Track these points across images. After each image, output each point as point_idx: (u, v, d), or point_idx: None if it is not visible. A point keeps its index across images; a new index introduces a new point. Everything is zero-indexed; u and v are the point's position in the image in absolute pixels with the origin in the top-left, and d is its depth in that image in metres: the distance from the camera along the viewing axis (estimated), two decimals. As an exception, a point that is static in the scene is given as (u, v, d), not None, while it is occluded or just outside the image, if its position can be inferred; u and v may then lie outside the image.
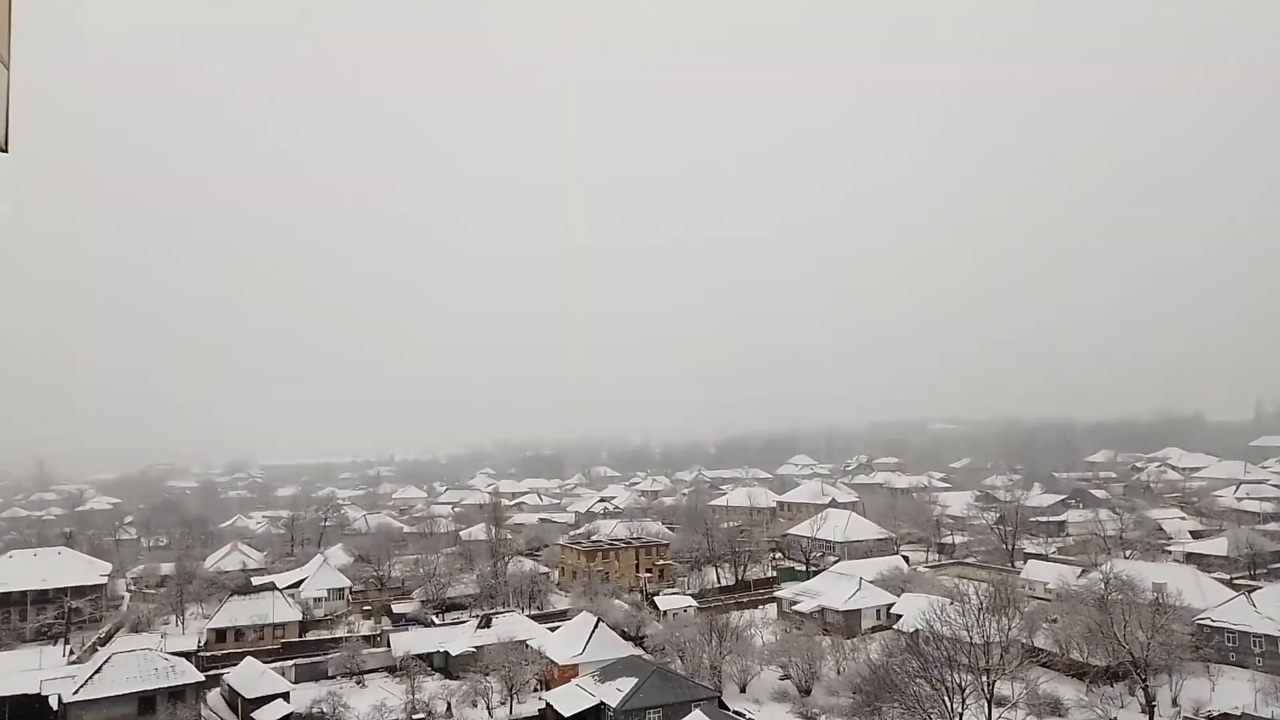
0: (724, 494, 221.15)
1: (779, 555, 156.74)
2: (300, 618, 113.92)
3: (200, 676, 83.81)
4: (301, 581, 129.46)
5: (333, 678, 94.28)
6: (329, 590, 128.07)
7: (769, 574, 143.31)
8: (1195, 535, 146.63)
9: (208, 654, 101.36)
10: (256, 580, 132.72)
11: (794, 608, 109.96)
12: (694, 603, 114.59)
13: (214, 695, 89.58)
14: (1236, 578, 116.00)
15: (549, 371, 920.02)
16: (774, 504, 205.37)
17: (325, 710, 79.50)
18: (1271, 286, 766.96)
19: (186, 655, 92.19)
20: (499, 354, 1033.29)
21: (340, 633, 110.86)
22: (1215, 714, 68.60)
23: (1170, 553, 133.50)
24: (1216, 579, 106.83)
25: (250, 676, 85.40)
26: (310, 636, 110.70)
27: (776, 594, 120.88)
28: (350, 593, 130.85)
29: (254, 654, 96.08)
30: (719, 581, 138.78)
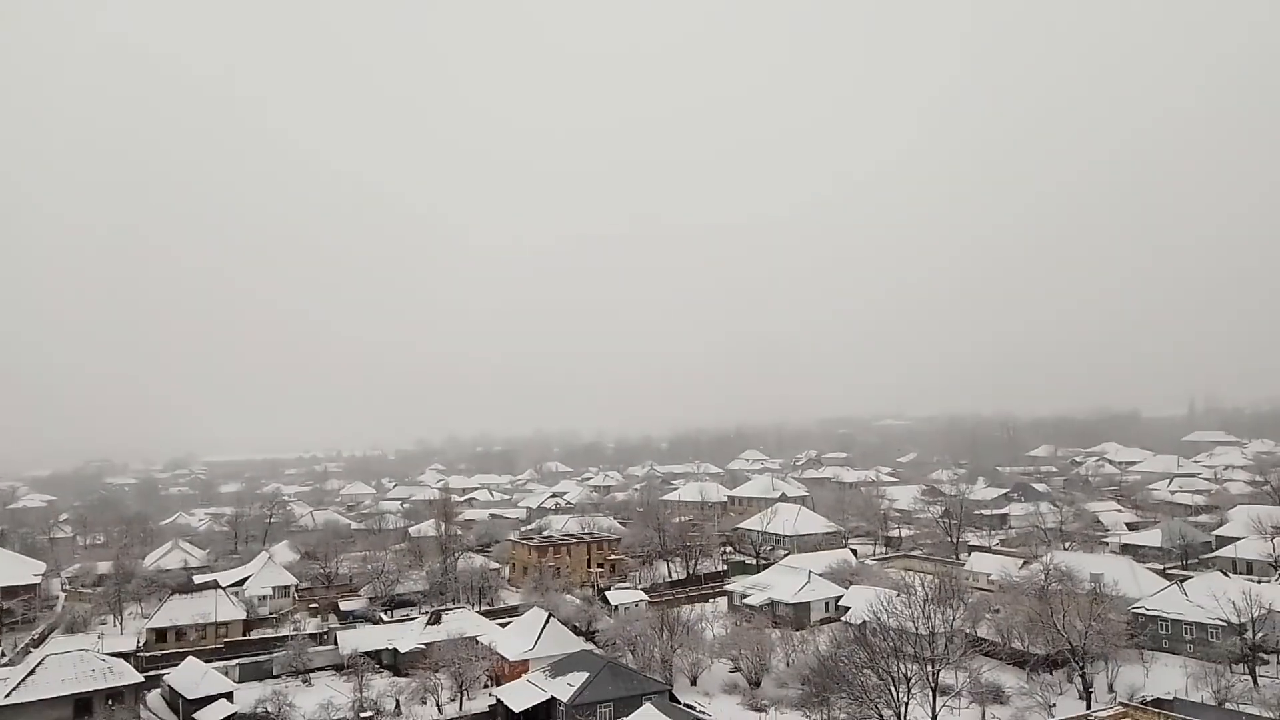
0: (675, 489, 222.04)
1: (730, 549, 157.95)
2: (244, 616, 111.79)
3: (139, 677, 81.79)
4: (245, 579, 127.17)
5: (278, 677, 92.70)
6: (274, 588, 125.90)
7: (720, 568, 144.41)
8: (1131, 527, 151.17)
9: (147, 654, 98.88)
10: (198, 578, 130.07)
11: (744, 601, 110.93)
12: (645, 597, 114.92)
13: (154, 696, 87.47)
14: (1170, 568, 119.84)
15: (501, 367, 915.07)
16: (725, 499, 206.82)
17: (270, 710, 78.22)
18: (1203, 290, 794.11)
19: (125, 656, 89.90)
20: (450, 349, 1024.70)
21: (286, 631, 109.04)
22: (1149, 699, 70.75)
23: (1107, 544, 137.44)
24: (1151, 569, 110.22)
25: (192, 677, 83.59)
26: (255, 635, 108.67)
27: (727, 588, 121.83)
28: (296, 590, 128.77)
29: (196, 654, 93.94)
30: (670, 576, 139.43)
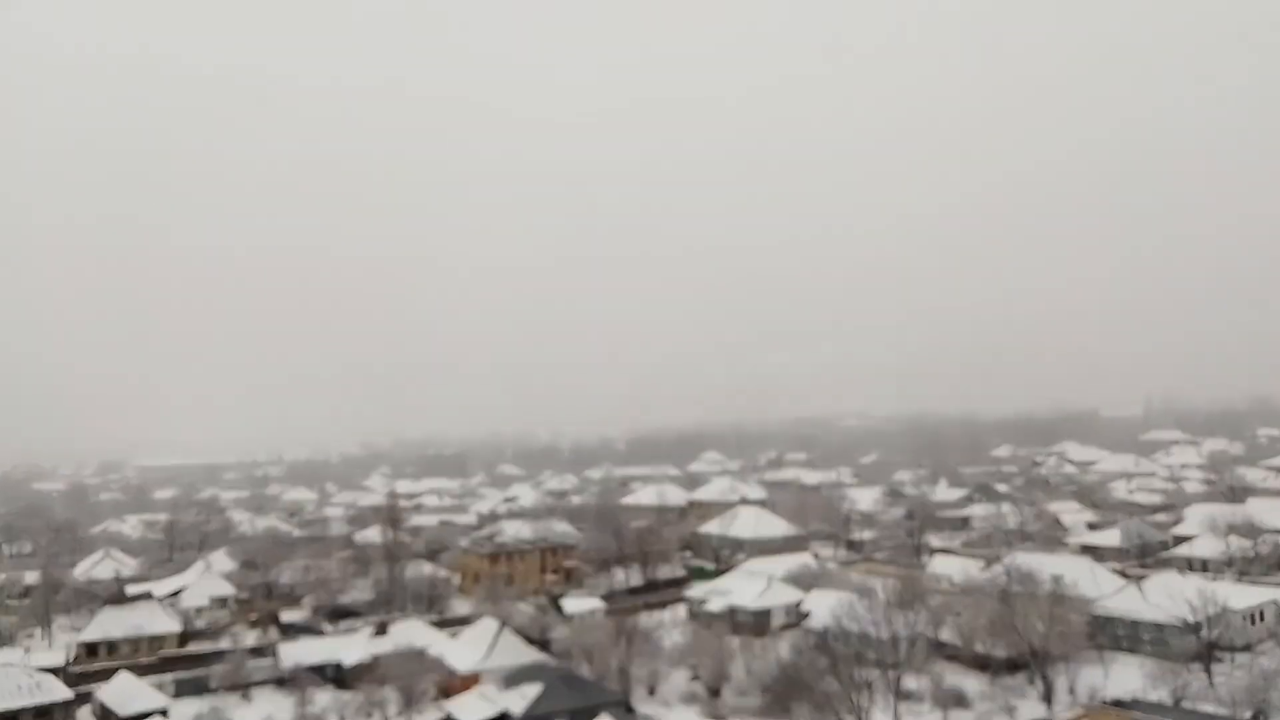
0: (633, 492, 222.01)
1: (689, 554, 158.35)
2: (180, 628, 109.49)
3: (69, 693, 79.84)
4: (181, 590, 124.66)
5: (216, 691, 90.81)
6: (211, 599, 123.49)
7: (679, 573, 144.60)
8: (1090, 527, 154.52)
9: (78, 669, 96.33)
10: (131, 589, 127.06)
11: (704, 607, 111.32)
12: (602, 605, 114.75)
13: (84, 713, 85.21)
14: (1128, 567, 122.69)
15: (452, 368, 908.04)
16: (684, 502, 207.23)
17: (208, 727, 76.79)
18: (1159, 291, 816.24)
19: (54, 671, 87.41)
20: (397, 349, 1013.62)
21: (224, 644, 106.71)
22: (1108, 700, 72.40)
23: (1067, 544, 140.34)
24: (1110, 568, 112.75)
25: (125, 692, 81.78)
26: (191, 648, 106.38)
27: (686, 594, 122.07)
28: (235, 601, 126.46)
29: (129, 668, 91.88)
30: (628, 582, 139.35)
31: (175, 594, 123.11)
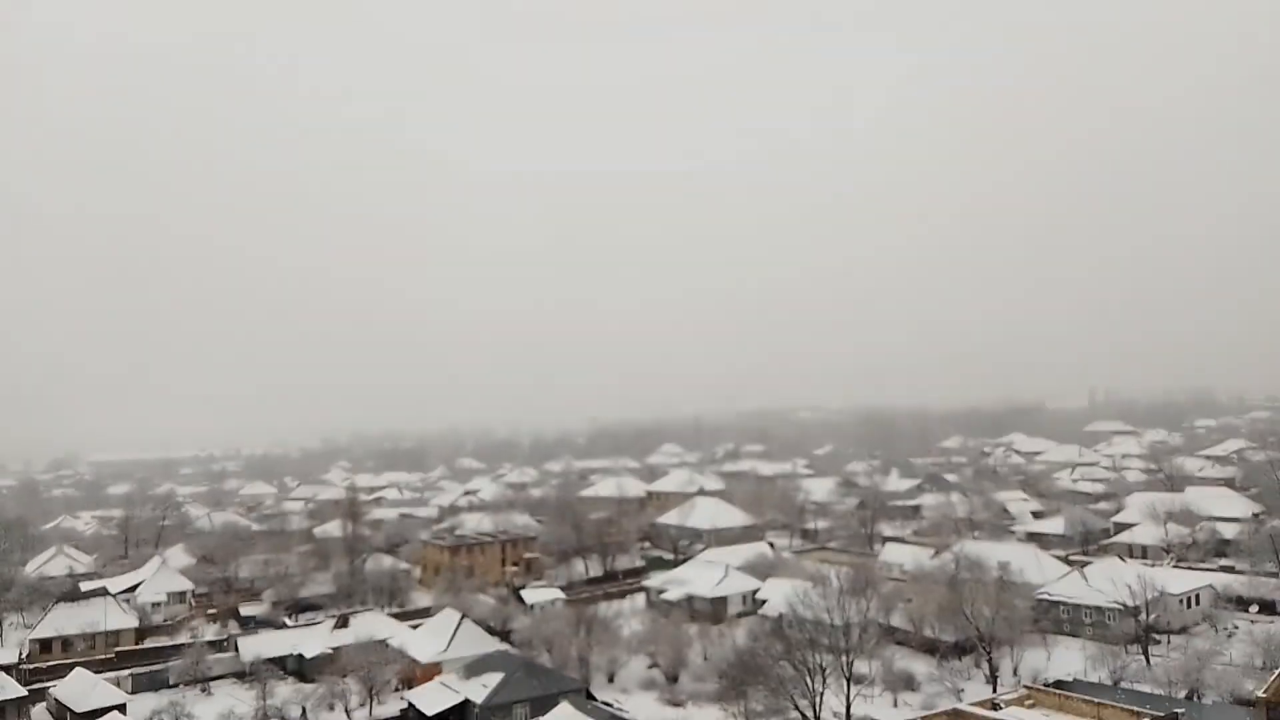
0: (593, 484, 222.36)
1: (648, 544, 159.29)
2: (136, 624, 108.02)
3: (23, 691, 78.60)
4: (137, 585, 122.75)
5: (175, 686, 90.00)
6: (169, 594, 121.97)
7: (638, 564, 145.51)
8: (1036, 515, 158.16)
9: (31, 666, 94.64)
10: (86, 585, 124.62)
11: (662, 596, 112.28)
12: (562, 595, 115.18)
13: (39, 710, 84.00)
14: (1071, 554, 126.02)
15: (410, 361, 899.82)
16: (643, 493, 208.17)
17: (166, 721, 76.00)
18: (1104, 288, 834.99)
19: (7, 669, 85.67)
20: (355, 341, 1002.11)
21: (183, 639, 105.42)
22: (1050, 681, 74.50)
23: (1014, 532, 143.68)
24: (1054, 555, 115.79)
25: (81, 689, 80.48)
26: (149, 644, 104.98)
27: (645, 583, 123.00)
28: (193, 596, 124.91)
29: (85, 665, 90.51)
30: (587, 573, 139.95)
31: (131, 590, 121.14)
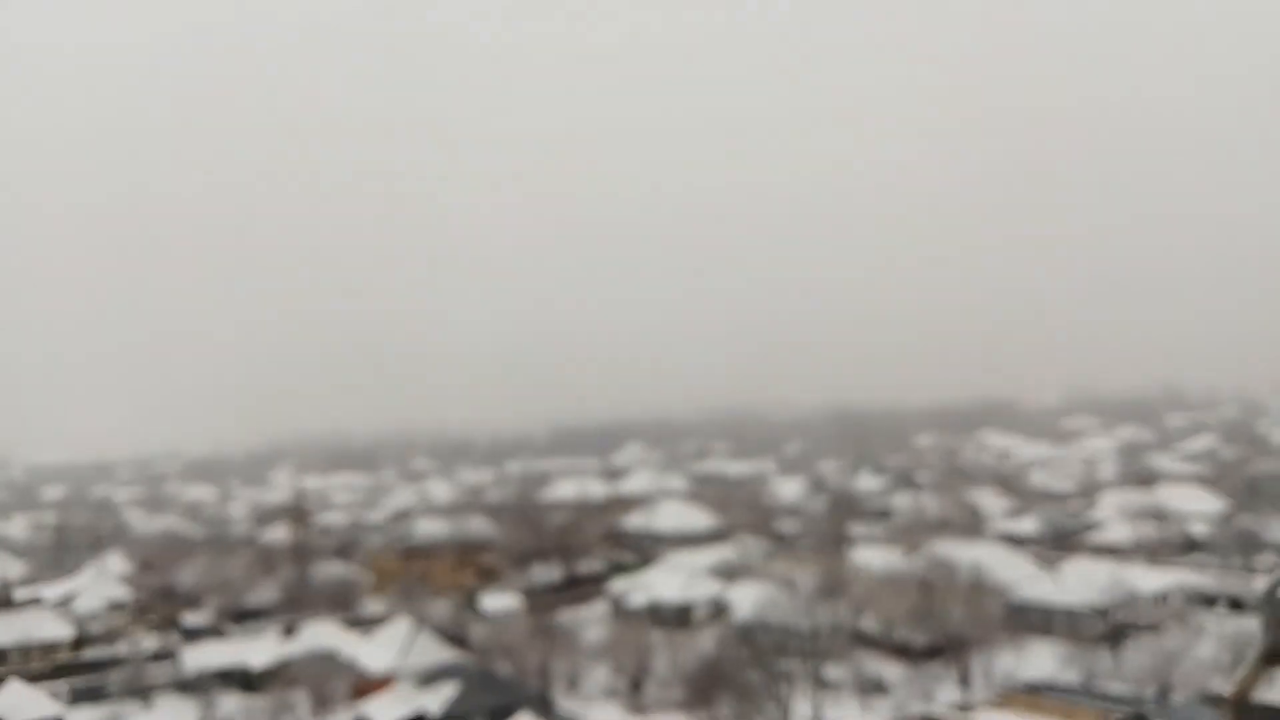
0: (554, 486, 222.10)
1: (611, 548, 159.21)
2: (73, 634, 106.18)
3: (-51, 707, 76.68)
4: (73, 594, 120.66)
5: (114, 698, 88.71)
6: (107, 602, 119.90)
7: (600, 568, 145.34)
8: (1008, 514, 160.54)
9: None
10: (19, 594, 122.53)
11: (625, 602, 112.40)
12: (521, 602, 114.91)
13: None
14: (1043, 552, 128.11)
15: (358, 358, 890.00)
16: (606, 495, 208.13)
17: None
18: (1076, 283, 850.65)
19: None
20: (299, 339, 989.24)
21: (122, 649, 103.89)
22: (1023, 683, 75.82)
23: (986, 532, 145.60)
24: (1026, 555, 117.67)
25: (14, 702, 79.01)
26: (86, 655, 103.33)
27: (608, 589, 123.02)
28: (133, 604, 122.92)
29: (19, 676, 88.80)
30: (548, 578, 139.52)
31: (67, 599, 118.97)
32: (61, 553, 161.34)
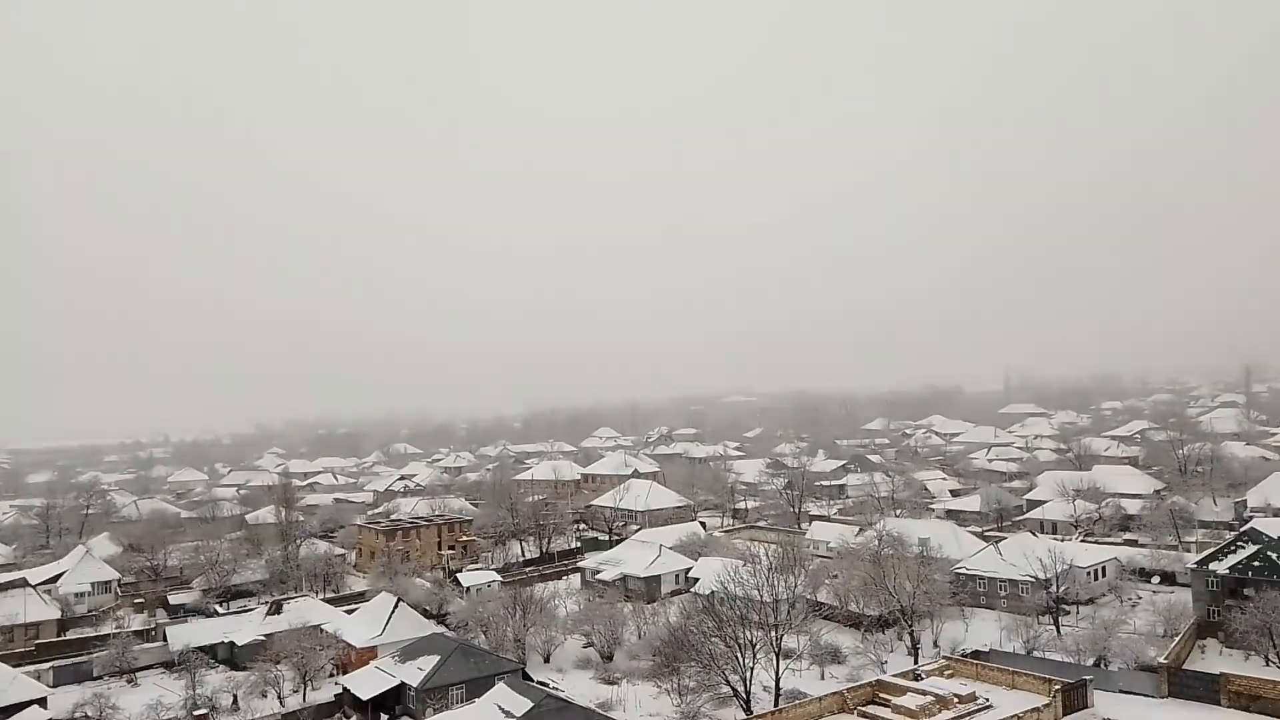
0: (529, 468, 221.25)
1: (583, 526, 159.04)
2: (58, 615, 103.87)
3: (-64, 687, 74.44)
4: (59, 576, 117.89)
5: (99, 678, 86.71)
6: (93, 584, 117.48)
7: (573, 545, 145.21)
8: (954, 494, 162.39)
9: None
10: (4, 576, 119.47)
11: (597, 577, 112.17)
12: (498, 577, 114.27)
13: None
14: (987, 530, 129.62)
15: (346, 347, 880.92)
16: (579, 476, 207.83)
17: (90, 714, 73.08)
18: (1018, 276, 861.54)
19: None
20: (289, 329, 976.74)
21: (108, 629, 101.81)
22: (968, 651, 76.53)
23: (933, 510, 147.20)
24: (971, 532, 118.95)
25: (-1, 683, 76.81)
26: (72, 635, 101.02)
27: (580, 564, 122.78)
28: (119, 585, 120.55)
29: (4, 658, 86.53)
30: (524, 555, 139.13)
31: (53, 580, 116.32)
32: (48, 536, 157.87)
